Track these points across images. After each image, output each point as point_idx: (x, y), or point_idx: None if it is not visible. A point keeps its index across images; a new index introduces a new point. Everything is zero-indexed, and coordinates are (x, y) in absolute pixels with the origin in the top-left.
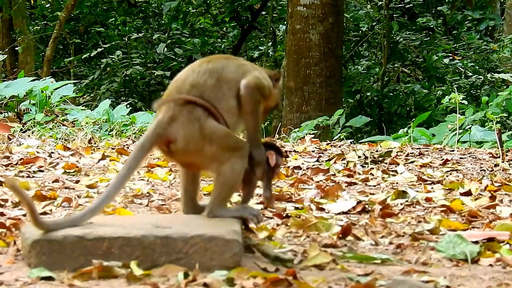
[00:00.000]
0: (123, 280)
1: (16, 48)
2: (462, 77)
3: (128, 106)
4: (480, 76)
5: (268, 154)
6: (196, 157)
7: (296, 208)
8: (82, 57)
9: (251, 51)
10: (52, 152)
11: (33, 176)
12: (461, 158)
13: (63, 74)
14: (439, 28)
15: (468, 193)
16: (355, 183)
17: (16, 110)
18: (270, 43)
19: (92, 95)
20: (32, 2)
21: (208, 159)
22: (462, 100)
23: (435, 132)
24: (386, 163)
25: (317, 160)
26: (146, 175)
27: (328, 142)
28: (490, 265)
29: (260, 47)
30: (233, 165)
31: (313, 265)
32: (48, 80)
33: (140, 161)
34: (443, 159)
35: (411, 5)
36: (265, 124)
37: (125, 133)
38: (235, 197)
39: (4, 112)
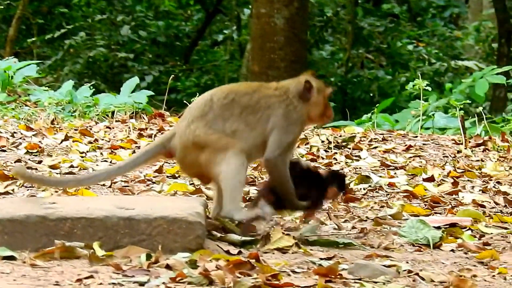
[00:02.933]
0: (85, 260)
1: None
2: (426, 64)
3: (91, 87)
4: (443, 63)
5: (330, 189)
6: (196, 167)
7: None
8: (46, 38)
9: (215, 35)
10: (14, 132)
11: None
12: (424, 144)
13: (26, 54)
14: (404, 15)
15: (431, 179)
16: (318, 168)
17: None
18: (235, 27)
19: (55, 76)
20: None
21: (205, 166)
22: (425, 86)
23: (399, 118)
24: (349, 148)
25: None
26: (109, 157)
27: None
28: (452, 250)
29: (224, 31)
30: (228, 163)
31: (276, 248)
32: (11, 60)
33: (140, 164)
34: (406, 145)
35: None
36: None
37: (88, 114)
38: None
39: None
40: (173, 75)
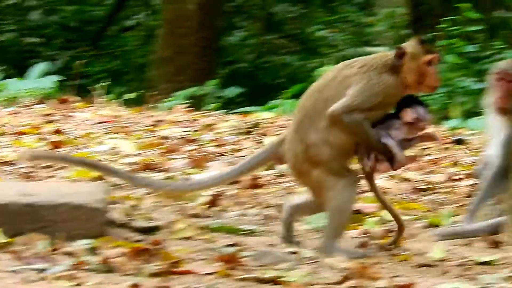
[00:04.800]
0: None
1: None
2: (337, 49)
3: (1, 73)
4: (356, 49)
5: (404, 112)
6: (303, 180)
7: (165, 178)
8: None
9: (126, 20)
10: None
11: None
12: None
13: None
14: (316, 1)
15: None
16: (224, 153)
17: None
18: (146, 12)
19: None
20: None
21: (314, 183)
22: None
23: None
24: (256, 134)
25: (187, 130)
26: (14, 142)
27: (200, 112)
28: (357, 237)
29: (135, 16)
30: (340, 192)
31: (179, 235)
32: None
33: (250, 168)
34: None
35: None
36: (138, 92)
37: None
38: None
39: None
40: (85, 60)
